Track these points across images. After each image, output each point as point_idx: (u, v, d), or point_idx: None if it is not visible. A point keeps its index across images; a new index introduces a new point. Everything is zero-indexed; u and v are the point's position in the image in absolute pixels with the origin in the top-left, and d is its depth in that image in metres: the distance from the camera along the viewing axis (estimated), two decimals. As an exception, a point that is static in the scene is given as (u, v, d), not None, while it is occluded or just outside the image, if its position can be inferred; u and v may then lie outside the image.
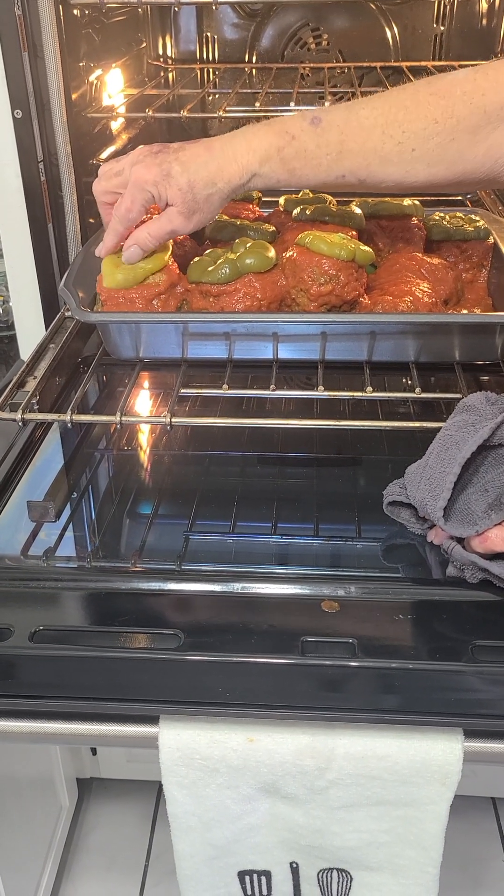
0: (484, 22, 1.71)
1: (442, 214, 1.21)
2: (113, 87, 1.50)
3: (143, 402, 1.19)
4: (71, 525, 0.97)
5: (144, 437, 1.16)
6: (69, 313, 1.15)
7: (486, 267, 1.15)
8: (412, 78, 1.55)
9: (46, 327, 1.30)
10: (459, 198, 1.68)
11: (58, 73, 1.18)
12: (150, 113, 1.30)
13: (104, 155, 1.44)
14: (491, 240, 1.15)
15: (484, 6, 1.70)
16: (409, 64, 1.67)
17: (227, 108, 1.30)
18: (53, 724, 0.76)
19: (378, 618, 0.76)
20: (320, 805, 0.79)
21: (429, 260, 1.08)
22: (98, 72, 1.40)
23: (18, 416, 0.94)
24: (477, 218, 1.20)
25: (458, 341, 1.00)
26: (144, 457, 1.13)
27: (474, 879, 1.63)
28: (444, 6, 1.69)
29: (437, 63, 1.69)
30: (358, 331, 0.97)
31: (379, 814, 0.80)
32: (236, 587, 0.79)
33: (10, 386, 0.99)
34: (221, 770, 0.77)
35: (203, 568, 0.88)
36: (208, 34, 1.75)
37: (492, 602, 0.77)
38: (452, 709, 0.74)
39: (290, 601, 0.79)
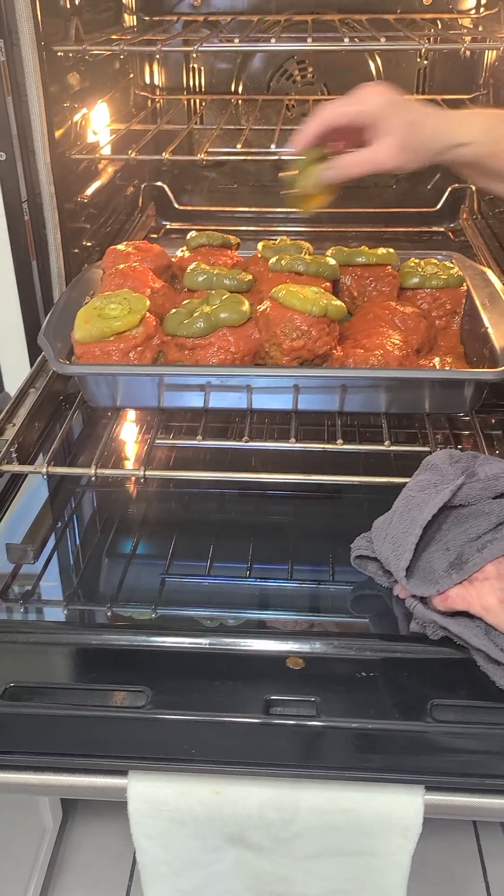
0: (467, 54, 1.72)
1: (417, 261, 1.22)
2: (99, 122, 1.52)
3: (122, 443, 1.21)
4: (50, 567, 0.98)
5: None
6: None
7: (459, 314, 1.17)
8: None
9: (31, 361, 1.32)
10: (441, 228, 1.70)
11: (41, 117, 1.20)
12: (133, 154, 1.31)
13: (89, 191, 1.46)
14: (464, 287, 1.18)
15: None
16: (392, 97, 1.69)
17: (208, 150, 1.32)
18: (24, 775, 0.78)
19: (341, 675, 0.78)
20: (286, 854, 0.81)
21: (401, 309, 1.10)
22: (83, 110, 1.42)
23: None
24: (451, 265, 1.22)
25: (427, 394, 1.02)
26: (125, 494, 1.14)
27: (454, 900, 1.65)
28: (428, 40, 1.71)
29: (420, 97, 1.71)
30: (329, 384, 0.99)
31: (343, 863, 0.82)
32: (203, 643, 0.81)
33: None
34: (188, 822, 0.79)
35: (174, 615, 0.90)
36: (195, 65, 1.77)
37: (452, 659, 0.79)
38: (412, 766, 0.76)
39: (257, 656, 0.81)
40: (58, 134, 1.29)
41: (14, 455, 1.00)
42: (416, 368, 1.05)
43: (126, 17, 1.68)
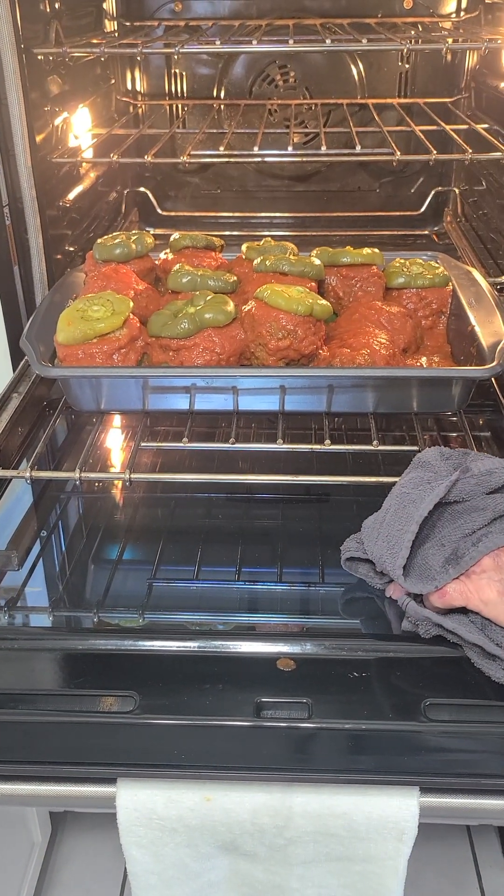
0: (448, 58, 1.73)
1: (402, 261, 1.22)
2: (80, 127, 1.51)
3: (108, 450, 1.20)
4: (35, 573, 0.96)
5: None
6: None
7: (446, 314, 1.16)
8: (377, 116, 1.57)
9: (13, 367, 1.30)
10: (425, 232, 1.70)
11: (22, 121, 1.19)
12: (116, 158, 1.30)
13: (71, 196, 1.45)
14: (450, 287, 1.17)
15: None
16: (374, 101, 1.69)
17: (191, 153, 1.31)
18: (10, 785, 0.76)
19: (333, 676, 0.77)
20: (280, 862, 0.80)
21: (388, 309, 1.09)
22: (64, 114, 1.41)
23: None
24: (437, 265, 1.21)
25: (415, 393, 1.01)
26: (111, 498, 1.13)
27: (449, 909, 1.63)
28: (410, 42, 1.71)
29: (402, 100, 1.72)
30: (316, 384, 0.98)
31: (338, 870, 0.80)
32: (192, 646, 0.80)
33: None
34: (179, 830, 0.77)
35: (162, 621, 0.88)
36: (177, 70, 1.76)
37: (445, 658, 0.78)
38: (407, 767, 0.74)
39: (247, 659, 0.79)
40: (39, 138, 1.28)
41: (-4, 459, 0.99)
42: (404, 367, 1.04)
43: (107, 22, 1.67)
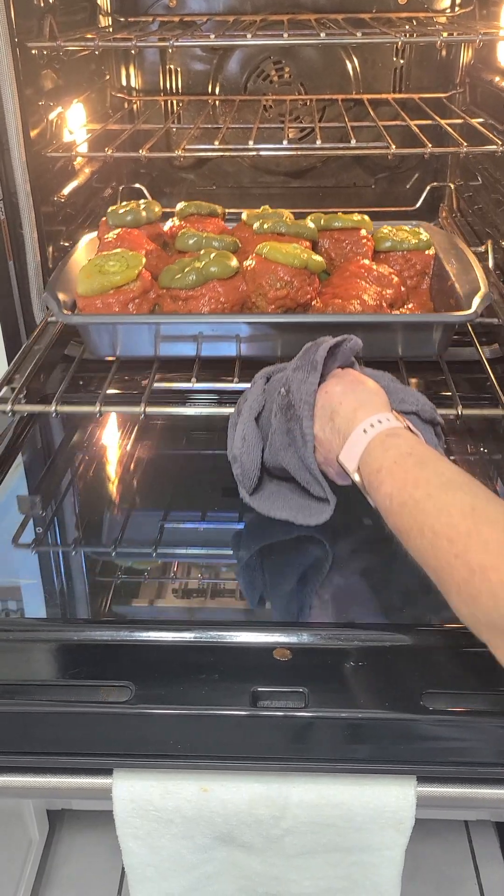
0: (443, 53, 1.73)
1: (390, 228, 1.31)
2: (75, 122, 1.51)
3: (120, 395, 1.23)
4: (56, 515, 1.05)
5: (116, 435, 1.22)
6: (52, 318, 1.23)
7: (428, 275, 1.26)
8: (372, 111, 1.57)
9: (9, 361, 1.30)
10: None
11: (16, 115, 1.19)
12: (110, 152, 1.30)
13: (66, 191, 1.45)
14: (432, 250, 1.27)
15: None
16: (369, 96, 1.69)
17: (186, 147, 1.31)
18: (4, 777, 0.76)
19: (329, 665, 0.77)
20: (277, 853, 0.79)
21: (376, 268, 1.18)
22: (59, 109, 1.41)
23: (8, 407, 1.06)
24: (421, 231, 1.31)
25: (400, 339, 1.11)
26: (125, 448, 1.19)
27: (447, 903, 1.63)
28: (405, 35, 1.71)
29: (397, 95, 1.71)
30: (311, 329, 1.01)
31: (335, 860, 0.80)
32: (188, 636, 0.80)
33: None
34: (176, 821, 0.77)
35: (172, 555, 0.97)
36: (172, 66, 1.76)
37: (443, 647, 0.78)
38: (404, 756, 0.74)
39: (243, 648, 0.79)
40: (33, 133, 1.28)
41: (23, 400, 1.09)
42: (390, 314, 1.14)
43: (101, 18, 1.67)
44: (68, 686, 0.75)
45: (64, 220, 1.46)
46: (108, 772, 0.76)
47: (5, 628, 0.82)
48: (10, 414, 1.05)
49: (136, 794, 0.76)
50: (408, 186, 1.83)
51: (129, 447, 1.18)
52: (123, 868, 1.67)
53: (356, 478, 0.81)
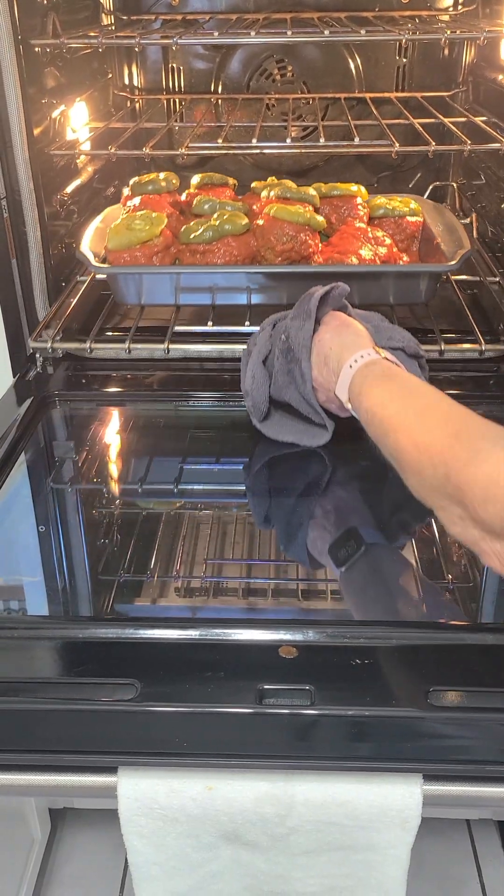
0: (446, 52, 1.73)
1: (384, 199, 1.44)
2: (77, 120, 1.50)
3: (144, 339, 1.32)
4: (88, 455, 1.16)
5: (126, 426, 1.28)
6: (81, 277, 1.41)
7: (418, 238, 1.40)
8: (374, 109, 1.57)
9: (11, 360, 1.31)
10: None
11: (19, 113, 1.19)
12: (113, 150, 1.30)
13: (69, 189, 1.45)
14: (422, 217, 1.41)
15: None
16: (372, 95, 1.69)
17: (189, 145, 1.31)
18: (9, 775, 0.75)
19: (335, 663, 0.76)
20: (282, 851, 0.79)
21: (372, 231, 1.33)
22: (62, 107, 1.41)
23: (49, 344, 1.25)
24: (412, 200, 1.44)
25: (391, 288, 1.27)
26: (150, 399, 1.28)
27: (450, 903, 1.63)
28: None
29: (400, 94, 1.71)
30: (315, 278, 1.13)
31: (340, 859, 0.79)
32: (193, 634, 0.79)
33: (39, 326, 1.29)
34: (181, 819, 0.76)
35: (191, 491, 1.09)
36: (174, 65, 1.76)
37: (450, 645, 0.78)
38: (410, 754, 0.74)
39: (248, 646, 0.79)
40: (36, 131, 1.28)
41: (60, 338, 1.25)
42: (383, 265, 1.28)
43: (104, 17, 1.67)
44: (73, 684, 0.75)
45: (67, 217, 1.46)
46: (112, 770, 0.76)
47: (9, 626, 0.82)
48: (49, 350, 1.25)
49: (141, 792, 0.75)
50: (410, 185, 1.83)
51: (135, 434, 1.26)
52: (126, 866, 1.67)
53: (349, 406, 0.95)
